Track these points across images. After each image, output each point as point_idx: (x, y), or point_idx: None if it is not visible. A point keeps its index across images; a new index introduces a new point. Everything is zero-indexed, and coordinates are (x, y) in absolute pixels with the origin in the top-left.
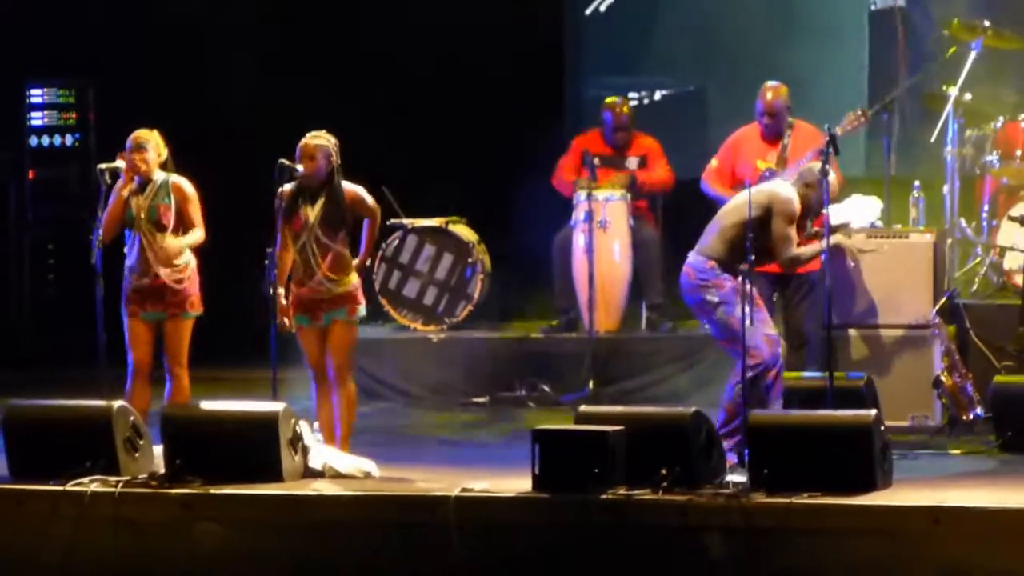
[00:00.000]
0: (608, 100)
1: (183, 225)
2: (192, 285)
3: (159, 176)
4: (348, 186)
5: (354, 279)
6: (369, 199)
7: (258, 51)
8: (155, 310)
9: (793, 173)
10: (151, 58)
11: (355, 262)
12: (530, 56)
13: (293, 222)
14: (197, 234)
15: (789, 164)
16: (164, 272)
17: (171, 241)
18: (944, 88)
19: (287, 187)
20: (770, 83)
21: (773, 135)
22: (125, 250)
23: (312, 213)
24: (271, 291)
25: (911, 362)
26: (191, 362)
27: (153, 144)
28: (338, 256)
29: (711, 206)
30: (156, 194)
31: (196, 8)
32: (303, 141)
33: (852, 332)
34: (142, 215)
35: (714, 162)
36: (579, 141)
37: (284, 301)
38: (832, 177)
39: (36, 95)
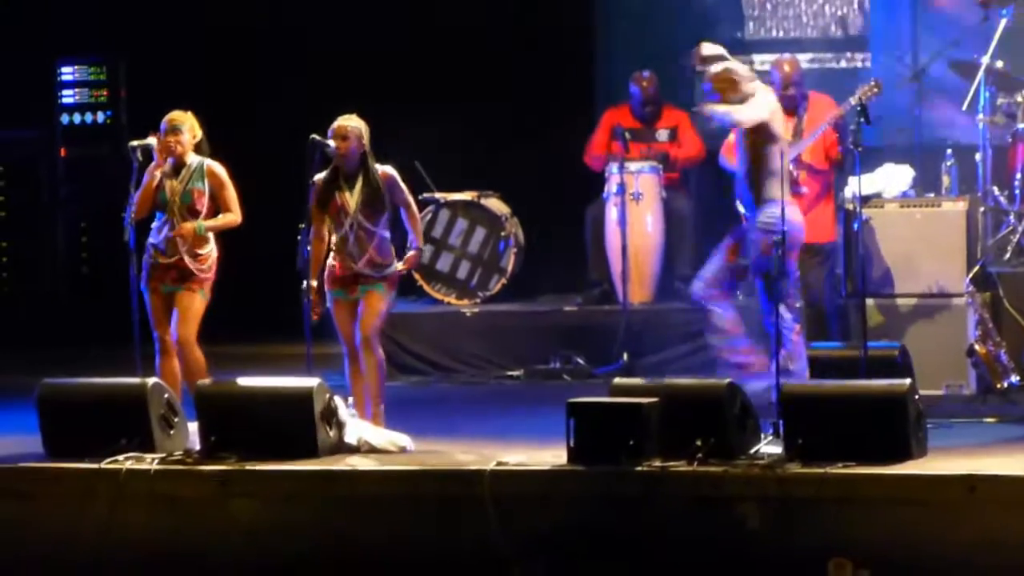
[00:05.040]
0: (635, 74)
1: (216, 209)
2: (209, 273)
3: (193, 159)
4: (380, 168)
5: (396, 265)
6: (403, 185)
7: (289, 27)
8: (170, 284)
9: (807, 144)
10: (182, 34)
11: (410, 255)
12: (561, 29)
13: (330, 209)
14: (230, 217)
15: (805, 135)
16: (188, 260)
17: (189, 226)
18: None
19: (320, 176)
20: (784, 56)
21: (792, 107)
22: (153, 225)
23: (352, 199)
24: (305, 267)
25: (945, 331)
26: (222, 338)
27: (188, 126)
28: (382, 241)
29: None
30: (191, 178)
31: None
32: (336, 123)
33: (885, 301)
34: (176, 199)
35: (732, 136)
36: (609, 115)
37: (315, 294)
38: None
39: (67, 73)
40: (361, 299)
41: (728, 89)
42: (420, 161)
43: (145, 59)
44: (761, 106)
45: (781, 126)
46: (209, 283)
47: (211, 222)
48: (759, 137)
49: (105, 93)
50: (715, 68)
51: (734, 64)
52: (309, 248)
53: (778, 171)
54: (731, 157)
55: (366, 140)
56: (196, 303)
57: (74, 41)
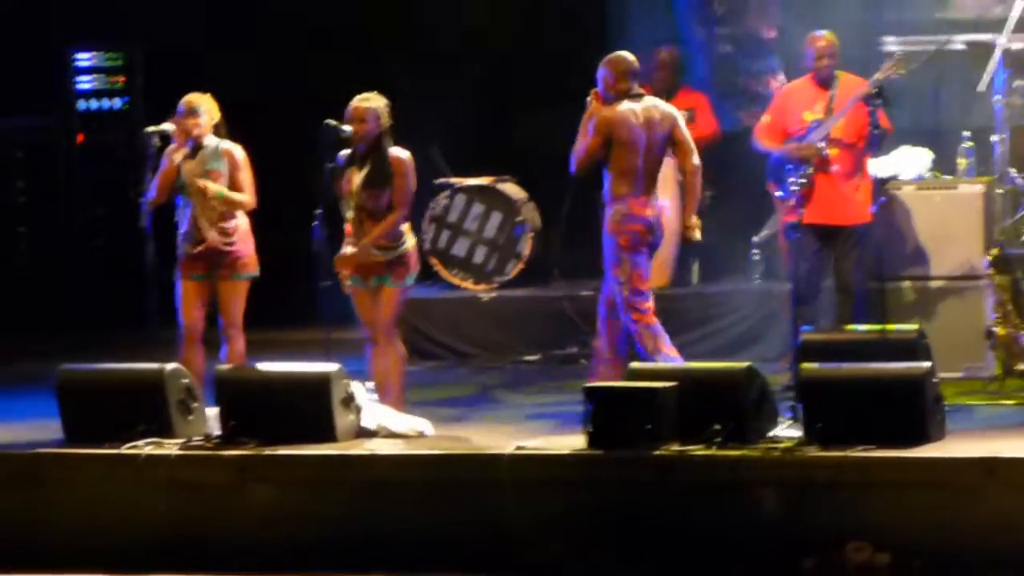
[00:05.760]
0: (656, 50)
1: (234, 191)
2: (243, 246)
3: (211, 141)
4: (396, 152)
5: (408, 245)
6: (409, 180)
7: (306, 11)
8: (206, 272)
9: (836, 121)
10: (198, 20)
11: (363, 240)
12: (574, 12)
13: (344, 187)
14: (244, 197)
15: (835, 112)
16: (212, 236)
17: (214, 187)
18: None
19: (345, 151)
20: (818, 31)
21: (824, 81)
22: (177, 216)
23: (357, 178)
24: (321, 252)
25: (963, 313)
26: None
27: (206, 108)
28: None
29: (760, 160)
30: (208, 160)
31: None
32: (352, 104)
33: (903, 284)
34: (194, 182)
35: (765, 117)
36: None
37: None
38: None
39: (83, 59)
40: (377, 291)
41: (607, 80)
42: (436, 146)
43: (161, 45)
44: (586, 140)
45: (628, 131)
46: (244, 259)
47: (229, 193)
48: (608, 143)
49: (121, 79)
50: (613, 56)
51: (630, 59)
52: (324, 233)
53: (629, 170)
54: (764, 139)
55: (384, 120)
56: (235, 291)
57: (90, 28)
